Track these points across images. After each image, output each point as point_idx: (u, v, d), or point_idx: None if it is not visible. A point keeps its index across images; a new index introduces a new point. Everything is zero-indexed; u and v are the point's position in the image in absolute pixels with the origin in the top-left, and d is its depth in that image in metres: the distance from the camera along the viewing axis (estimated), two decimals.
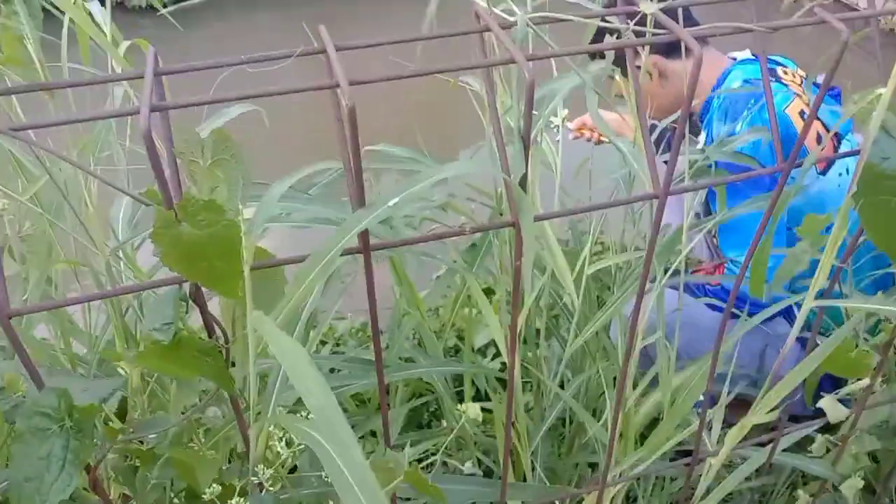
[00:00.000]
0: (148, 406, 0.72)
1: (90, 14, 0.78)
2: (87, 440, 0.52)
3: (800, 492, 1.16)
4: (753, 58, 1.38)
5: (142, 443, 0.64)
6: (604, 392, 1.11)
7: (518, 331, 0.92)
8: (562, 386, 1.13)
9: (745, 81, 1.32)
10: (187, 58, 0.54)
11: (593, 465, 1.22)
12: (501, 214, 0.89)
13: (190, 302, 0.53)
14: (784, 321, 1.44)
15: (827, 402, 0.95)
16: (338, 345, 1.89)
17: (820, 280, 0.65)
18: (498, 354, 1.79)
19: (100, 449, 0.60)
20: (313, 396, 0.42)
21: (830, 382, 1.45)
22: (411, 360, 1.30)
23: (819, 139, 1.32)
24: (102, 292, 0.51)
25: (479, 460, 1.26)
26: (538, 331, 1.13)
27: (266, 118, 0.82)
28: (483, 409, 1.47)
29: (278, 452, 0.60)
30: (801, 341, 1.54)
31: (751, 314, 0.97)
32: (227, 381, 0.56)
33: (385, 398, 0.65)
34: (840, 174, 1.34)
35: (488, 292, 1.57)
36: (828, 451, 1.09)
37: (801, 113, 1.26)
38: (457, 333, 1.86)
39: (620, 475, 0.92)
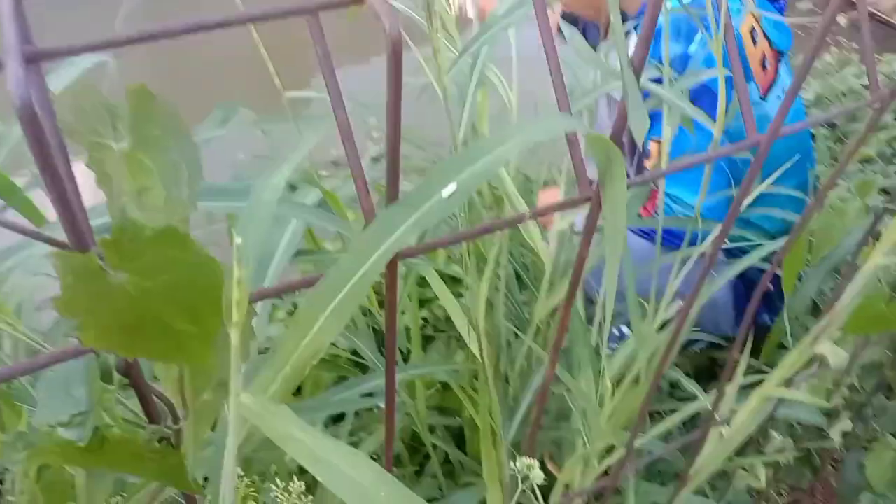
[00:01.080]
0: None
1: None
2: None
3: (772, 432, 1.10)
4: None
5: None
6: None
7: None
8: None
9: None
10: None
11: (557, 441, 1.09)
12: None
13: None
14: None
15: (828, 347, 0.86)
16: None
17: None
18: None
19: None
20: None
21: (764, 304, 1.42)
22: None
23: (764, 61, 1.22)
24: None
25: (433, 445, 1.10)
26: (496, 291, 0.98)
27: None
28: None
29: None
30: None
31: (678, 246, 0.89)
32: (186, 482, 0.36)
33: (394, 425, 0.47)
34: (779, 97, 1.26)
35: None
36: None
37: (752, 31, 1.15)
38: None
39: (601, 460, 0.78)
